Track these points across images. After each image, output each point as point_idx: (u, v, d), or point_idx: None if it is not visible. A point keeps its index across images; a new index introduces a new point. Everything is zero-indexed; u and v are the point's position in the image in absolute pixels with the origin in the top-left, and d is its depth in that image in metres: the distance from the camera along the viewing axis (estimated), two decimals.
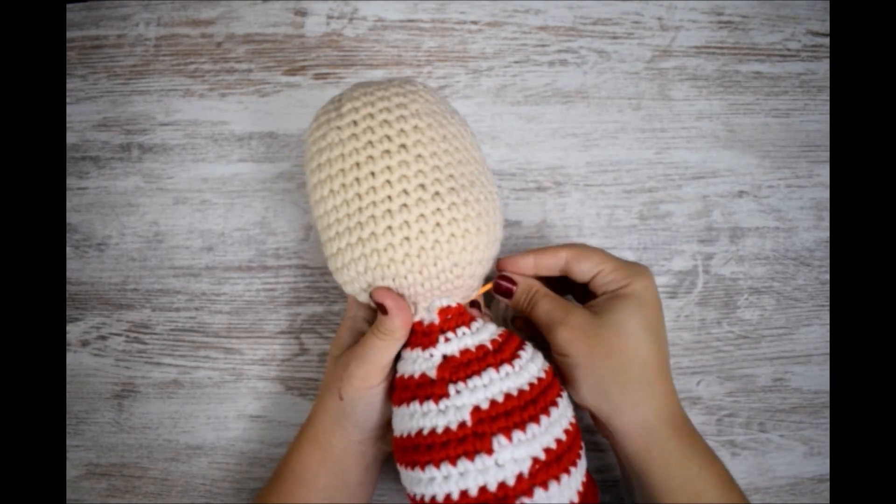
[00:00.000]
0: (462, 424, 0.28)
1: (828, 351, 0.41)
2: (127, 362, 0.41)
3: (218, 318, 0.41)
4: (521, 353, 0.30)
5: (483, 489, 0.27)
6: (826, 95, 0.43)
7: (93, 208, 0.43)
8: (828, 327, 0.41)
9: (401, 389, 0.30)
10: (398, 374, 0.31)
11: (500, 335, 0.31)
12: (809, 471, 0.40)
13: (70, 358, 0.41)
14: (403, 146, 0.29)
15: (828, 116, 0.43)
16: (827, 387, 0.40)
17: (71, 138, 0.43)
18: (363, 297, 0.31)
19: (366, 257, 0.29)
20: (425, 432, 0.28)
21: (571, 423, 0.30)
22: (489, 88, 0.43)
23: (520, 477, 0.27)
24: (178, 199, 0.42)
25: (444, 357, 0.30)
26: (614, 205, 0.42)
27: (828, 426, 0.40)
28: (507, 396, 0.28)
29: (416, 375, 0.30)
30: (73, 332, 0.42)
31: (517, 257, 0.34)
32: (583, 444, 0.30)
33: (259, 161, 0.42)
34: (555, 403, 0.29)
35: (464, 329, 0.30)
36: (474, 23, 0.44)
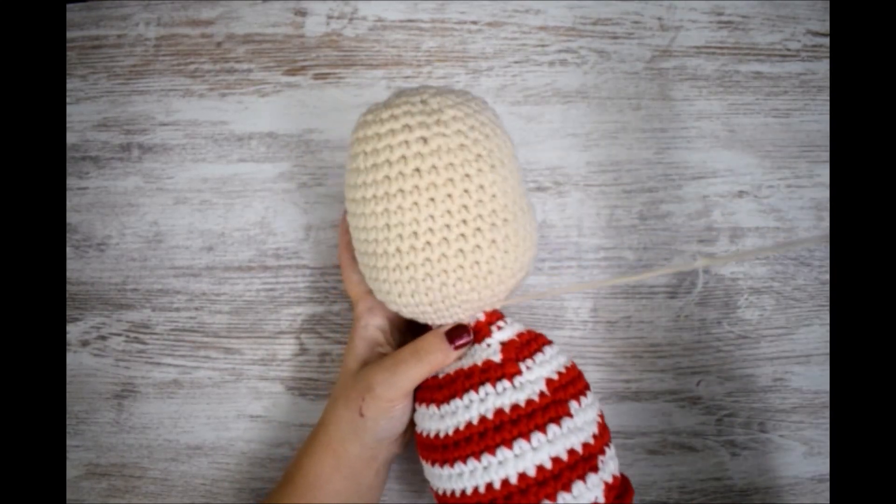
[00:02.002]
0: (542, 394, 0.29)
1: (828, 351, 0.41)
2: (127, 362, 0.41)
3: (218, 318, 0.41)
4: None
5: (571, 451, 0.28)
6: (826, 95, 0.43)
7: (93, 208, 0.43)
8: (828, 327, 0.41)
9: (446, 386, 0.31)
10: (435, 375, 0.31)
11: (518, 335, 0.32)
12: (809, 471, 0.40)
13: (70, 358, 0.41)
14: (468, 176, 0.28)
15: (828, 116, 0.43)
16: (827, 387, 0.40)
17: (71, 138, 0.43)
18: (396, 308, 0.31)
19: (431, 278, 0.29)
20: (490, 415, 0.28)
21: (584, 443, 0.30)
22: (489, 88, 0.43)
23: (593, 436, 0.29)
24: (178, 199, 0.42)
25: (502, 343, 0.30)
26: (614, 205, 0.42)
27: (828, 426, 0.40)
28: (565, 370, 0.31)
29: (480, 363, 0.30)
30: (73, 332, 0.42)
31: None
32: (600, 464, 0.30)
33: (259, 161, 0.43)
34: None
35: (505, 320, 0.32)
36: (474, 23, 0.44)
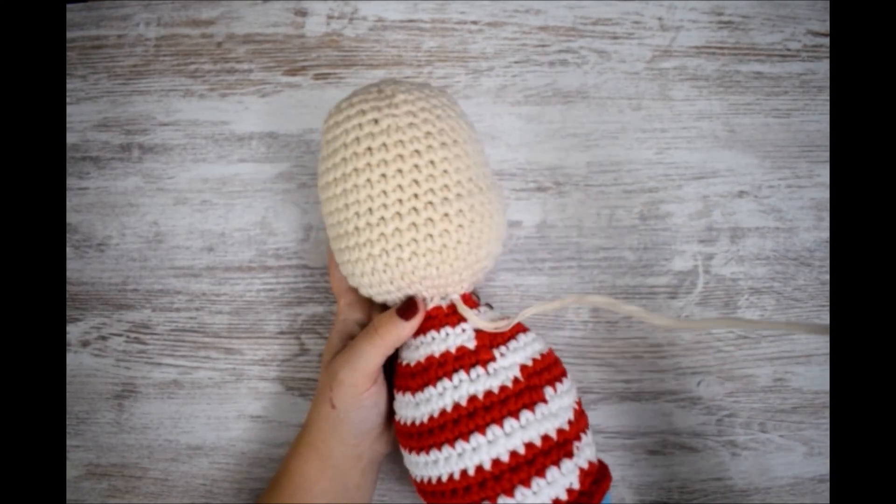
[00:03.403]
0: (516, 380, 0.29)
1: (828, 351, 0.41)
2: (127, 362, 0.41)
3: (218, 318, 0.41)
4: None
5: (545, 437, 0.28)
6: (826, 95, 0.43)
7: (93, 208, 0.43)
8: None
9: (397, 376, 0.31)
10: (405, 363, 0.32)
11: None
12: (809, 471, 0.40)
13: (70, 358, 0.41)
14: (418, 152, 0.29)
15: (828, 116, 0.43)
16: (827, 387, 0.40)
17: (71, 138, 0.43)
18: (366, 292, 0.31)
19: (387, 253, 0.29)
20: (464, 402, 0.29)
21: (558, 429, 0.30)
22: (489, 88, 0.43)
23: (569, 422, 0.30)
24: (178, 199, 0.42)
25: (477, 329, 0.31)
26: (614, 205, 0.42)
27: (828, 426, 0.40)
28: (540, 357, 0.31)
29: (453, 349, 0.30)
30: (74, 332, 0.42)
31: None
32: (575, 450, 0.30)
33: (259, 161, 0.42)
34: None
35: (481, 307, 0.32)
36: (474, 23, 0.44)
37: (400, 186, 0.29)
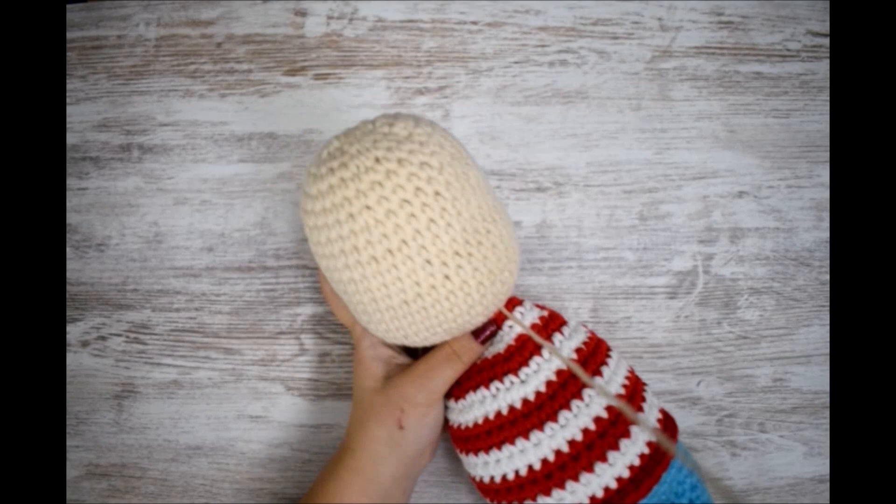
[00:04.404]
0: (561, 372, 0.30)
1: (828, 351, 0.41)
2: (127, 363, 0.41)
3: (218, 318, 0.41)
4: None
5: (586, 429, 0.29)
6: (826, 95, 0.43)
7: (93, 209, 0.43)
8: (828, 327, 0.41)
9: (473, 374, 0.32)
10: None
11: (540, 318, 0.33)
12: (809, 471, 0.40)
13: (70, 358, 0.41)
14: (429, 212, 0.27)
15: (828, 116, 0.43)
16: (827, 387, 0.40)
17: (71, 139, 0.43)
18: (392, 340, 0.32)
19: (412, 315, 0.29)
20: (519, 405, 0.30)
21: (629, 370, 0.33)
22: (489, 88, 0.43)
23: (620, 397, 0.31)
24: (178, 199, 0.42)
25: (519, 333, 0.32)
26: (614, 205, 0.42)
27: (828, 426, 0.40)
28: (581, 349, 0.32)
29: (502, 350, 0.31)
30: (73, 332, 0.42)
31: None
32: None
33: (259, 161, 0.42)
34: (609, 356, 0.32)
35: (524, 306, 0.33)
36: (474, 23, 0.44)
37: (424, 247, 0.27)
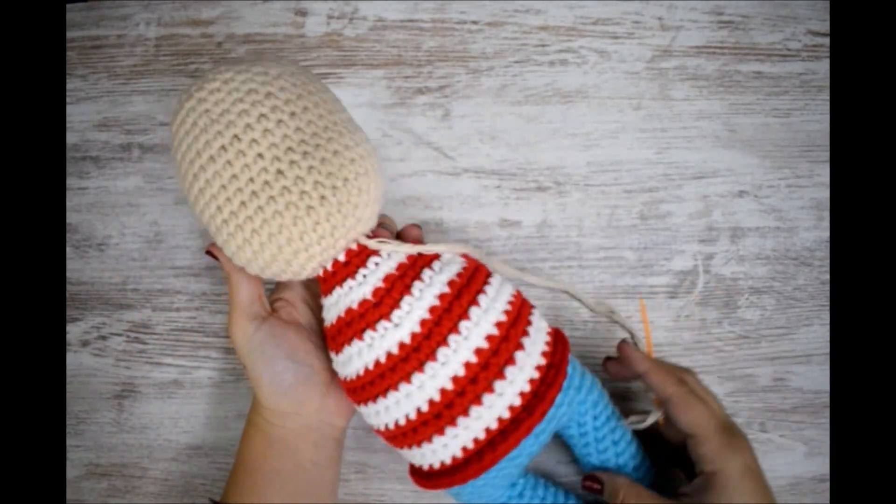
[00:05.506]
0: (434, 308, 0.29)
1: (828, 351, 0.41)
2: (127, 362, 0.41)
3: (218, 318, 0.41)
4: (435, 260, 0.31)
5: (467, 363, 0.28)
6: (826, 95, 0.43)
7: (93, 208, 0.43)
8: (828, 327, 0.41)
9: (343, 328, 0.30)
10: (328, 325, 0.31)
11: (408, 257, 0.31)
12: (809, 471, 0.40)
13: (70, 358, 0.41)
14: (249, 126, 0.29)
15: (828, 116, 0.43)
16: (827, 387, 0.40)
17: (71, 138, 0.43)
18: (257, 269, 0.31)
19: (270, 222, 0.28)
20: (396, 349, 0.29)
21: (513, 295, 0.31)
22: (489, 88, 0.43)
23: (490, 338, 0.29)
24: (178, 199, 0.42)
25: (373, 287, 0.30)
26: (615, 205, 0.42)
27: (828, 426, 0.40)
28: (454, 279, 0.30)
29: (356, 305, 0.30)
30: (74, 332, 0.42)
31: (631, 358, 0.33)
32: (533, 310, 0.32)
33: None
34: (487, 283, 0.31)
35: (376, 259, 0.30)
36: (475, 23, 0.44)
37: (286, 136, 0.29)
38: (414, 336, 0.29)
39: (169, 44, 0.44)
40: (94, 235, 0.42)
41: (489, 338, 0.29)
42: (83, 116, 0.43)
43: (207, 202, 0.29)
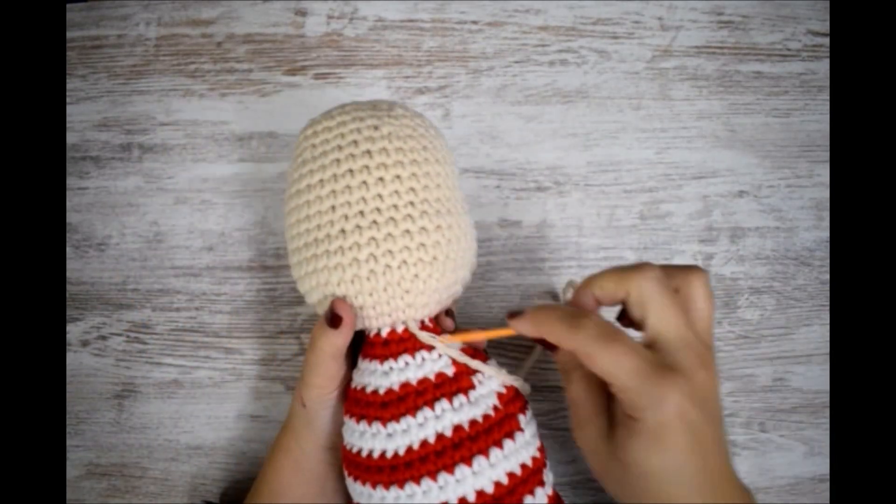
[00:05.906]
0: (496, 408, 0.28)
1: (828, 351, 0.41)
2: (127, 362, 0.41)
3: (218, 318, 0.41)
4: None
5: (524, 465, 0.28)
6: (826, 95, 0.43)
7: (93, 208, 0.43)
8: (828, 327, 0.41)
9: (352, 402, 0.30)
10: (352, 386, 0.30)
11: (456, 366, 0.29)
12: (809, 471, 0.40)
13: (70, 358, 0.41)
14: (416, 161, 0.29)
15: (828, 116, 0.43)
16: (827, 387, 0.40)
17: (71, 138, 0.43)
18: (319, 309, 0.30)
19: (375, 259, 0.28)
20: (448, 433, 0.27)
21: (533, 458, 0.29)
22: (489, 88, 0.43)
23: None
24: (178, 199, 0.42)
25: (401, 383, 0.28)
26: (615, 205, 0.42)
27: (828, 426, 0.40)
28: (508, 386, 0.30)
29: (369, 391, 0.29)
30: (74, 332, 0.42)
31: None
32: (545, 478, 0.29)
33: (259, 161, 0.42)
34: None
35: (423, 354, 0.29)
36: (474, 23, 0.44)
37: (397, 192, 0.28)
38: (472, 424, 0.27)
39: (169, 44, 0.44)
40: (94, 235, 0.42)
41: (510, 475, 0.27)
42: (83, 116, 0.43)
43: (297, 222, 0.30)
